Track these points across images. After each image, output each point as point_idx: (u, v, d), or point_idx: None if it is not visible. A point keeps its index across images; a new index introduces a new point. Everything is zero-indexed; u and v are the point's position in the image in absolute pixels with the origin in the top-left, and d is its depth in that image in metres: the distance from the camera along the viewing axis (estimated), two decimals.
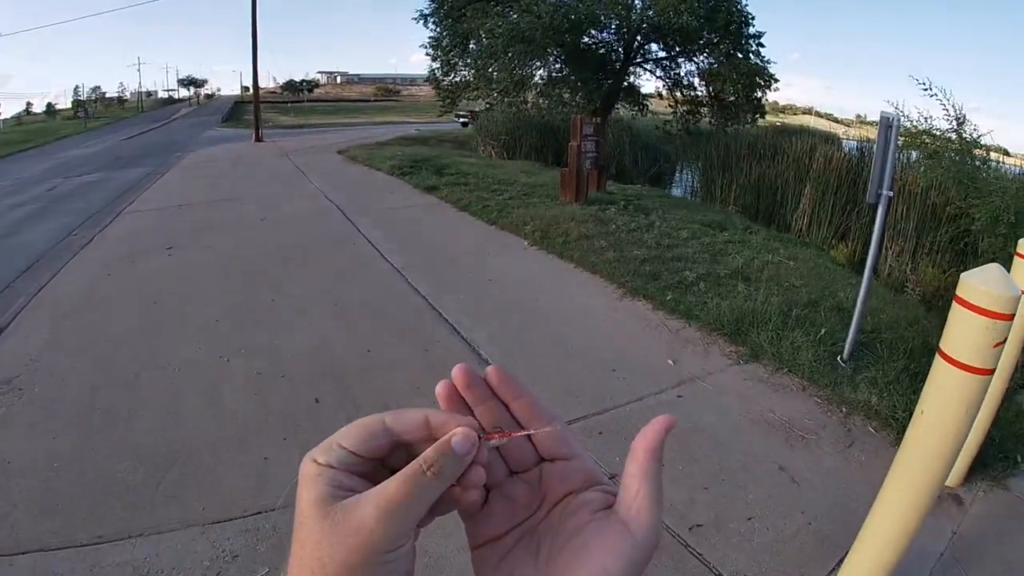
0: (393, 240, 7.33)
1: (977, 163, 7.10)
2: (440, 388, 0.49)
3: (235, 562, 2.59)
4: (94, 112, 64.21)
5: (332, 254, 6.88)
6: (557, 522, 0.47)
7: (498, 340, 4.58)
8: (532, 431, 0.49)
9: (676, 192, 16.32)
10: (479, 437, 0.45)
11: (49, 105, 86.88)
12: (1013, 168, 8.26)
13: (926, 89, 6.95)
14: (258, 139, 24.05)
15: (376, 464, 0.45)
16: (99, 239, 7.90)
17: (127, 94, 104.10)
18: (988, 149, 7.55)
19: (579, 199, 9.10)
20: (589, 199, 9.29)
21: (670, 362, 4.23)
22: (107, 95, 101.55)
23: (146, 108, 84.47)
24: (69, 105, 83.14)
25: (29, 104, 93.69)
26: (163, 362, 4.17)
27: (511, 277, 6.07)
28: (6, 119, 67.18)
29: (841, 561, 2.48)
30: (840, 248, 8.59)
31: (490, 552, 0.48)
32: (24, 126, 56.93)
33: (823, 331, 4.42)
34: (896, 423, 3.44)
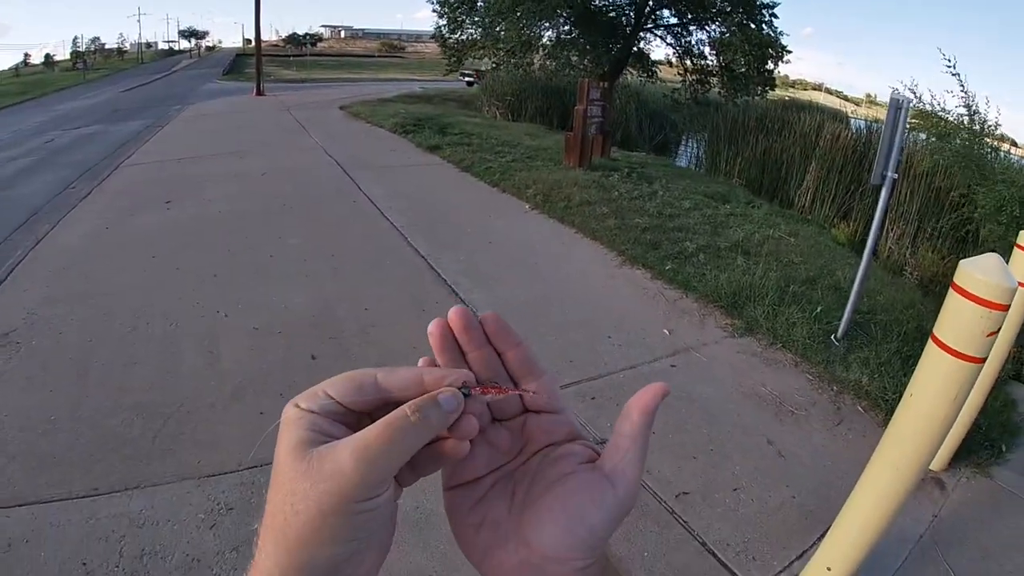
0: (393, 198, 7.29)
1: (987, 150, 7.03)
2: (434, 327, 0.48)
3: (230, 514, 2.64)
4: (93, 64, 63.57)
5: (332, 211, 6.86)
6: (535, 469, 0.48)
7: (496, 302, 4.59)
8: (527, 391, 0.49)
9: (681, 162, 16.21)
10: (476, 388, 0.45)
11: (47, 56, 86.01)
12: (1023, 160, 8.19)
13: (950, 65, 6.84)
14: (259, 93, 23.74)
15: (362, 417, 0.43)
16: (97, 192, 7.84)
17: (127, 46, 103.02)
18: (999, 138, 7.48)
19: (583, 164, 9.05)
20: (593, 165, 9.24)
21: (666, 331, 4.26)
22: (106, 46, 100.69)
23: (146, 60, 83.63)
24: (68, 56, 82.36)
25: (27, 55, 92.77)
26: (160, 316, 4.18)
27: (511, 240, 6.07)
28: (3, 70, 66.68)
29: (822, 536, 2.51)
30: (841, 227, 8.58)
31: (465, 495, 0.48)
32: (22, 78, 56.27)
33: (819, 309, 4.44)
34: (885, 404, 3.47)
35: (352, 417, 0.43)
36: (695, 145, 17.35)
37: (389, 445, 0.40)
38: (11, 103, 29.60)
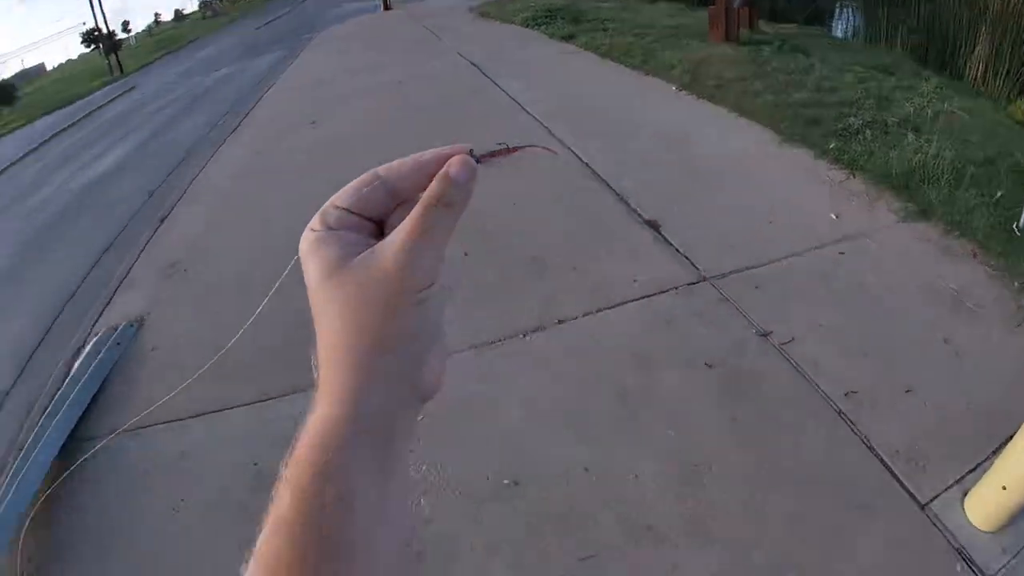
0: (531, 91, 7.13)
1: None
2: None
3: None
4: (221, 9, 65.17)
5: (471, 110, 6.81)
6: None
7: (650, 189, 4.47)
8: (536, 148, 0.52)
9: (836, 33, 14.85)
10: (476, 160, 0.45)
11: (177, 11, 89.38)
12: None
13: None
14: (387, 8, 23.55)
15: (376, 229, 0.44)
16: (246, 124, 8.21)
17: None
18: None
19: (729, 39, 8.41)
20: (740, 39, 8.56)
21: (832, 215, 3.99)
22: None
23: None
24: (196, 8, 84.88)
25: (157, 15, 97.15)
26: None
27: (661, 122, 5.82)
28: (138, 33, 69.66)
29: (996, 451, 2.38)
30: (1019, 104, 7.63)
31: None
32: (155, 36, 58.78)
33: (999, 194, 4.00)
34: None
35: (369, 228, 0.44)
36: (851, 13, 15.80)
37: (428, 232, 0.40)
38: (151, 60, 31.58)
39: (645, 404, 2.81)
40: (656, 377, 2.93)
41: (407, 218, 0.41)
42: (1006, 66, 8.69)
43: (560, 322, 3.32)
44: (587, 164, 4.91)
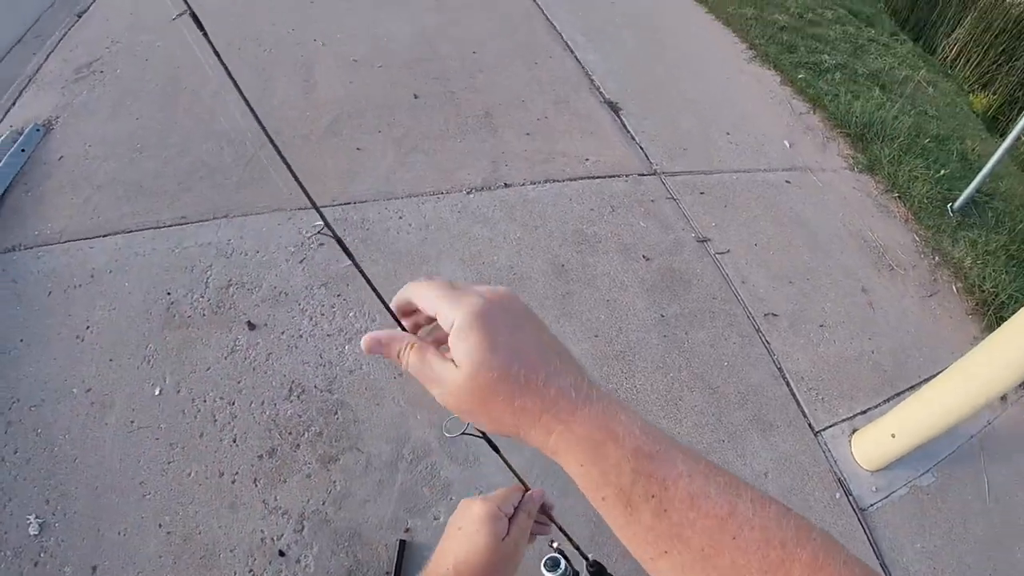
0: None
1: None
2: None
3: (320, 250, 2.63)
4: None
5: None
6: None
7: (612, 68, 4.30)
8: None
9: None
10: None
11: None
12: None
13: None
14: None
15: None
16: None
17: None
18: None
19: None
20: None
21: (786, 143, 4.02)
22: None
23: None
24: None
25: None
26: (252, 41, 3.89)
27: (635, 4, 5.46)
28: None
29: (889, 400, 2.62)
30: (980, 96, 7.84)
31: None
32: None
33: (943, 172, 4.13)
34: (980, 294, 3.31)
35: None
36: None
37: (525, 535, 0.74)
38: None
39: (581, 282, 2.81)
40: (595, 259, 2.92)
41: (516, 522, 0.72)
42: (979, 57, 8.82)
43: (506, 185, 3.21)
44: (555, 27, 4.64)
